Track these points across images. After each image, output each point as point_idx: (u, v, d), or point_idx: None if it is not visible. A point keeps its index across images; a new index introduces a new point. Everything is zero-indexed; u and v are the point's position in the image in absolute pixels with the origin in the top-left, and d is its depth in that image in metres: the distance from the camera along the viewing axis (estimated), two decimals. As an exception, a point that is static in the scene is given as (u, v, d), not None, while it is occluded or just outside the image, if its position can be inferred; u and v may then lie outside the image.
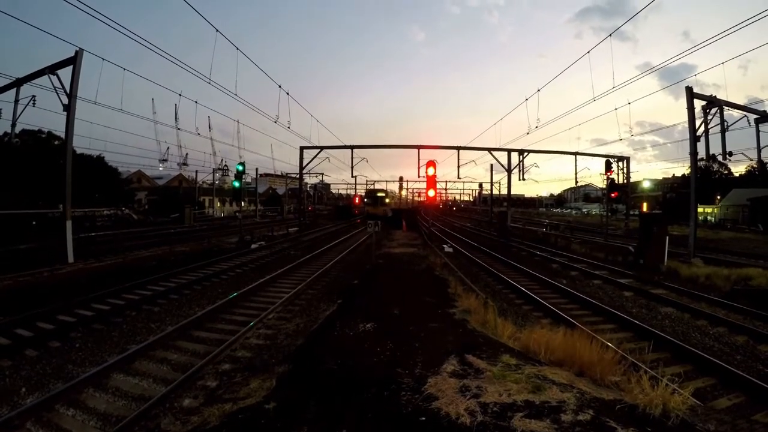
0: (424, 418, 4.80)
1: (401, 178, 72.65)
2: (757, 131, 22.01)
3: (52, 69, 18.30)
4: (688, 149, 22.68)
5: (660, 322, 12.06)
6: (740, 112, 22.46)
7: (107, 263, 18.23)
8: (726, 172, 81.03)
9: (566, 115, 25.62)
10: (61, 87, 18.21)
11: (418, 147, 35.40)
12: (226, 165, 75.45)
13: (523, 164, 36.99)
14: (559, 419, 4.62)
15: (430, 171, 20.29)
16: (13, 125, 20.08)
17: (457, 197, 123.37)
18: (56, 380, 7.32)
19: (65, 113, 18.24)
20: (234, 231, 35.40)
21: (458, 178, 39.68)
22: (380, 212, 50.83)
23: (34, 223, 29.95)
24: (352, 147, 36.59)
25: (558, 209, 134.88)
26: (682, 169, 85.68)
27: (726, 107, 21.79)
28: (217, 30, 12.90)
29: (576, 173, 40.21)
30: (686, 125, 22.56)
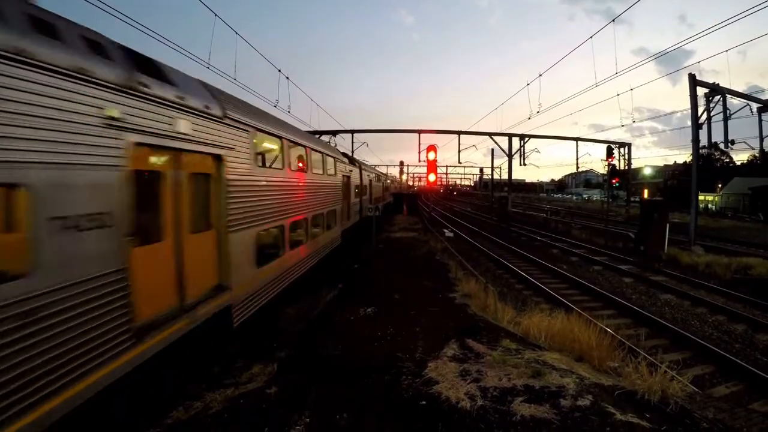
0: (424, 402, 4.83)
1: (402, 163, 72.28)
2: (760, 120, 21.82)
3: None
4: (688, 136, 22.57)
5: (659, 308, 12.11)
6: (741, 100, 22.24)
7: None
8: (728, 160, 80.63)
9: (567, 101, 25.32)
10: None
11: (419, 131, 35.20)
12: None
13: (524, 149, 36.84)
14: (559, 404, 4.66)
15: (431, 155, 20.16)
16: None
17: (458, 182, 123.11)
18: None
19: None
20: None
21: (459, 162, 39.49)
22: None
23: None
24: (352, 131, 36.36)
25: (559, 195, 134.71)
26: (682, 156, 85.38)
27: (728, 95, 21.60)
28: (215, 14, 12.68)
29: (577, 159, 40.09)
30: (686, 112, 22.41)
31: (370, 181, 27.41)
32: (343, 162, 16.39)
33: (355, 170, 20.34)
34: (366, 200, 24.61)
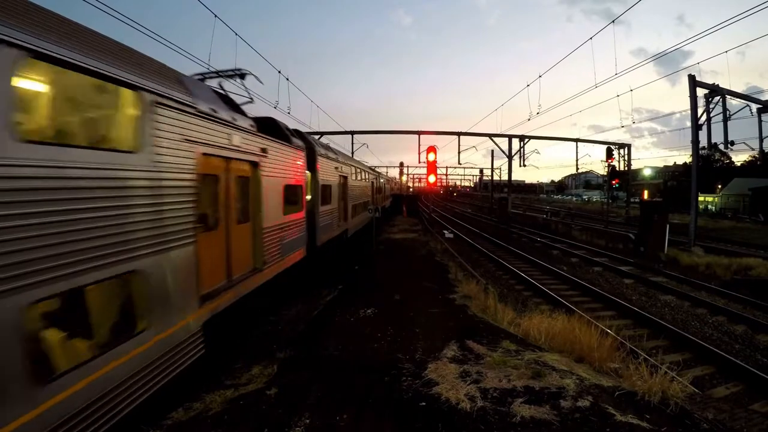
0: (424, 404, 4.83)
1: (402, 164, 72.29)
2: (760, 121, 21.82)
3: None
4: (687, 137, 22.64)
5: (659, 309, 12.10)
6: (741, 101, 22.25)
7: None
8: (727, 161, 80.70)
9: (567, 102, 25.30)
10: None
11: (419, 132, 35.24)
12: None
13: (523, 150, 36.85)
14: (559, 405, 4.65)
15: (431, 156, 20.19)
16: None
17: (458, 183, 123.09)
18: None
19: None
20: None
21: (459, 163, 39.52)
22: None
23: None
24: (352, 132, 36.38)
25: (559, 196, 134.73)
26: (682, 157, 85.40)
27: (728, 96, 21.62)
28: (215, 15, 12.71)
29: (577, 160, 40.11)
30: (685, 113, 22.44)
31: (343, 179, 17.15)
32: (196, 116, 5.85)
33: (287, 153, 9.86)
34: (329, 213, 14.56)
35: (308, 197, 11.90)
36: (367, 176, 25.96)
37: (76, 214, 3.77)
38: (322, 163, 13.33)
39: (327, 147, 16.33)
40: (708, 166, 73.73)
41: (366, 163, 31.66)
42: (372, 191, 28.09)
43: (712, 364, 8.42)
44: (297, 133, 12.10)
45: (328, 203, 14.22)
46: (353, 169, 20.19)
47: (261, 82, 8.57)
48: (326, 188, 13.92)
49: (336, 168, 15.71)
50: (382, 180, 38.81)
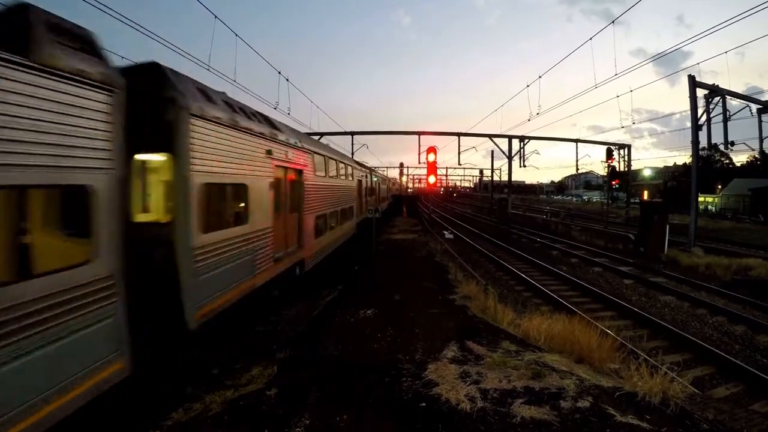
0: (424, 404, 4.82)
1: (402, 164, 72.17)
2: (760, 121, 21.80)
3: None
4: (687, 138, 22.67)
5: (659, 310, 12.10)
6: (741, 101, 22.25)
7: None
8: (727, 161, 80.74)
9: (566, 103, 25.24)
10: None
11: (419, 133, 35.18)
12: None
13: (523, 151, 36.80)
14: (559, 406, 4.65)
15: (431, 157, 20.17)
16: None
17: (458, 183, 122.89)
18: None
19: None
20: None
21: (459, 164, 39.48)
22: None
23: None
24: (352, 133, 36.34)
25: (559, 196, 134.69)
26: (682, 157, 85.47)
27: (728, 96, 21.62)
28: (215, 16, 12.73)
29: (577, 160, 40.05)
30: (685, 113, 22.45)
31: (295, 174, 10.54)
32: None
33: None
34: (240, 243, 7.19)
35: (157, 214, 6.13)
36: (350, 172, 19.19)
37: None
38: (205, 135, 6.15)
39: (239, 108, 7.81)
40: (708, 166, 73.74)
41: (367, 164, 31.20)
42: (360, 193, 21.52)
43: (712, 364, 8.42)
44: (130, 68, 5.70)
45: (243, 222, 7.49)
46: (320, 158, 13.09)
47: None
48: (223, 191, 7.00)
49: (268, 152, 8.53)
50: (375, 178, 30.92)
